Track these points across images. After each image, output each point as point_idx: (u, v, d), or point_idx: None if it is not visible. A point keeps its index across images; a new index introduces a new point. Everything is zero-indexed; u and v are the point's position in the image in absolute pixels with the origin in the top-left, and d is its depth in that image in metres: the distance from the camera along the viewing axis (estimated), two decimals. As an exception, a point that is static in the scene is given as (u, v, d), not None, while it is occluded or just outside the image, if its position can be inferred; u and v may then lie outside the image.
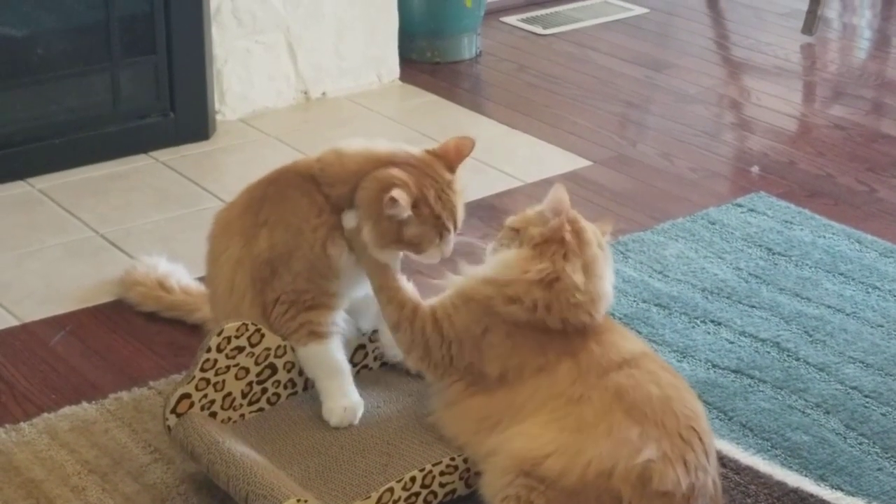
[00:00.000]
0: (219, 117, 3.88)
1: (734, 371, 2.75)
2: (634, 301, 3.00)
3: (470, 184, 3.54)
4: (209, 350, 2.32)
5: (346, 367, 2.41)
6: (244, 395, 2.40)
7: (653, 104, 4.21)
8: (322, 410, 2.39)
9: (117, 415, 2.55)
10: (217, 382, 2.35)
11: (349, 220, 2.33)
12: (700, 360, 2.78)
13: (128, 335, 2.84)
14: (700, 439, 2.14)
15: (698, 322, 2.92)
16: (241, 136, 3.85)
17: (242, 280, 2.40)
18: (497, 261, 2.31)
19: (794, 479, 2.42)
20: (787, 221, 3.37)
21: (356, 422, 2.38)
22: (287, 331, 2.39)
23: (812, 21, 4.78)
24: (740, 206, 3.46)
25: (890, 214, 3.47)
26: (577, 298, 2.23)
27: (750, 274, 3.13)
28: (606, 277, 2.30)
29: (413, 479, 2.20)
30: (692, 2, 5.19)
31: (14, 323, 2.88)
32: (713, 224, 3.36)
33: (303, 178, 2.37)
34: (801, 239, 3.29)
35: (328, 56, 4.09)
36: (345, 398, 2.39)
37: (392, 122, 3.99)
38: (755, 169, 3.75)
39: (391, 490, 2.18)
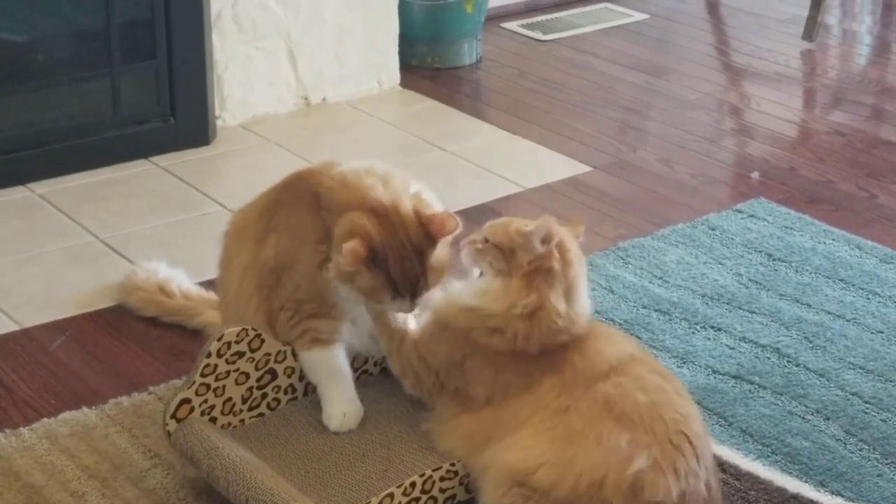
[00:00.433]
0: (219, 123, 3.88)
1: (734, 377, 2.75)
2: (634, 307, 3.00)
3: (470, 189, 3.57)
4: (209, 355, 2.32)
5: (348, 373, 2.41)
6: (244, 401, 2.40)
7: (653, 110, 4.21)
8: (322, 415, 2.39)
9: (117, 420, 2.55)
10: (217, 387, 2.35)
11: None
12: (700, 366, 2.78)
13: (128, 340, 2.84)
14: (691, 443, 2.13)
15: (698, 328, 2.92)
16: (242, 141, 3.85)
17: (249, 285, 2.41)
18: (481, 290, 2.27)
19: (794, 484, 2.42)
20: (787, 227, 3.37)
21: (356, 427, 2.38)
22: (291, 337, 2.39)
23: (812, 27, 4.78)
24: (740, 211, 3.46)
25: (890, 220, 3.47)
26: (557, 325, 2.22)
27: (750, 280, 3.13)
28: (584, 291, 2.28)
29: (413, 485, 2.20)
30: (692, 8, 5.19)
31: (14, 328, 2.88)
32: (713, 230, 3.36)
33: (312, 194, 2.35)
34: (801, 245, 3.29)
35: (328, 62, 4.09)
36: (345, 403, 2.39)
37: (392, 128, 3.99)
38: (755, 175, 3.75)
39: (391, 495, 2.18)
